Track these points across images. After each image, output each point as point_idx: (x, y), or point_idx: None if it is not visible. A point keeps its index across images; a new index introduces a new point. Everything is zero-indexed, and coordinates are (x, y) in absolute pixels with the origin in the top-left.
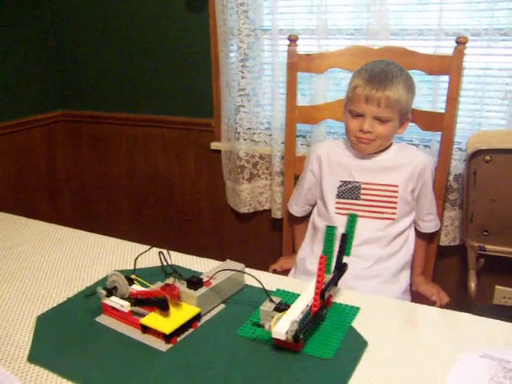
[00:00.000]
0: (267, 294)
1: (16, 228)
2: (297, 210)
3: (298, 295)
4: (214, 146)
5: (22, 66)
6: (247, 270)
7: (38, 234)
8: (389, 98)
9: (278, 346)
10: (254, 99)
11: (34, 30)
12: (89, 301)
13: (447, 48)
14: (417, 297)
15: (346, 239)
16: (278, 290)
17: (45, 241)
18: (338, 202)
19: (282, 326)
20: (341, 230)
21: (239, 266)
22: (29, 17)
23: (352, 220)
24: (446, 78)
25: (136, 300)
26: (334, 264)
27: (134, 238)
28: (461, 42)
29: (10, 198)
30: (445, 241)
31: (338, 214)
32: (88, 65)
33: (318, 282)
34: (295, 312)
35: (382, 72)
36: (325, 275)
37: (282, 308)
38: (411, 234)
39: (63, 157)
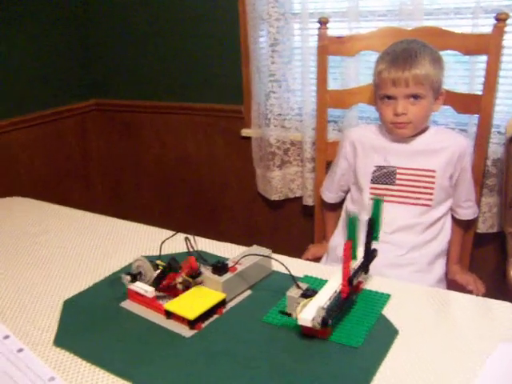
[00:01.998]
0: (294, 279)
1: (46, 214)
2: (330, 196)
3: (326, 281)
4: (244, 132)
5: (55, 56)
6: (275, 255)
7: (67, 220)
8: (417, 76)
9: (305, 333)
10: (284, 84)
11: (66, 20)
12: (114, 286)
13: (486, 27)
14: (452, 286)
15: (373, 224)
16: (306, 276)
17: (73, 227)
18: (372, 188)
19: (308, 313)
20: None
21: (266, 251)
22: (60, 6)
23: (377, 205)
24: (483, 58)
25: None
26: (358, 250)
27: (165, 224)
28: (501, 19)
29: (43, 186)
30: (482, 228)
31: (372, 199)
32: (118, 54)
33: (344, 268)
34: (322, 298)
35: (404, 51)
36: (352, 261)
37: (308, 294)
38: (447, 221)
39: (95, 145)
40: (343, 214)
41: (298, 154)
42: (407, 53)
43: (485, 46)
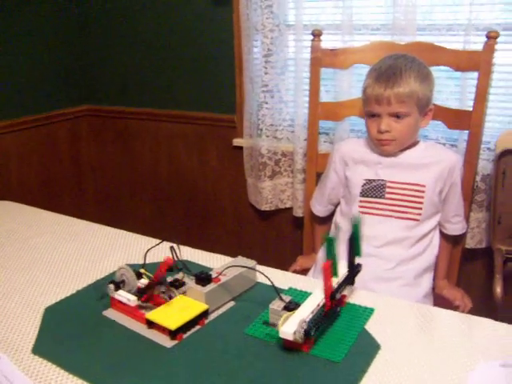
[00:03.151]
0: (277, 291)
1: (34, 220)
2: (319, 209)
3: (310, 294)
4: (236, 142)
5: (48, 61)
6: (260, 267)
7: (54, 227)
8: (399, 94)
9: (287, 346)
10: (277, 95)
11: (60, 26)
12: (97, 294)
13: (477, 44)
14: (439, 301)
15: (353, 242)
16: (290, 289)
17: (61, 233)
18: (361, 201)
19: (289, 326)
20: (364, 229)
21: (251, 262)
22: (55, 12)
23: (355, 226)
24: (474, 74)
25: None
26: (340, 265)
27: (156, 233)
28: (491, 37)
29: (34, 191)
30: (470, 243)
31: (361, 213)
32: (112, 60)
33: (325, 286)
34: (305, 311)
35: (389, 68)
36: (333, 278)
37: (291, 307)
38: (436, 235)
39: (87, 151)
40: (333, 226)
41: (289, 165)
42: (392, 70)
43: (476, 62)
